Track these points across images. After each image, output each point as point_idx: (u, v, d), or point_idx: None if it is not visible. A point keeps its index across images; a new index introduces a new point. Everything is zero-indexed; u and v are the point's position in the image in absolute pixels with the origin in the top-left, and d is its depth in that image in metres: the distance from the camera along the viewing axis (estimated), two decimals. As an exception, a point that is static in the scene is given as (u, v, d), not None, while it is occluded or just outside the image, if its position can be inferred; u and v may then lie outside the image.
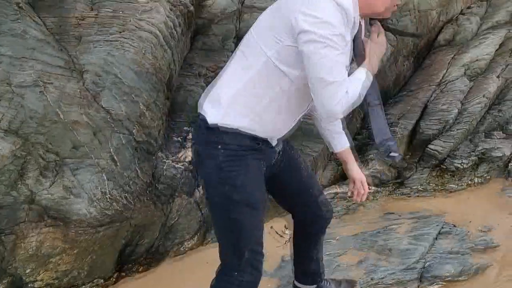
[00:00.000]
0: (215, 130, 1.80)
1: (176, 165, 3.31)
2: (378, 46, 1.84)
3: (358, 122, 4.92)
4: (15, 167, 2.41)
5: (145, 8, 2.65)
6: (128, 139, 2.84)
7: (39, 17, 2.35)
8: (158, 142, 3.18)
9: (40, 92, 2.34)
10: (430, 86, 5.15)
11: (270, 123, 1.85)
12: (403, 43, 4.63)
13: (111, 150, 2.74)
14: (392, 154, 1.94)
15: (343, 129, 2.26)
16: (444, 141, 4.84)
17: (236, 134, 1.81)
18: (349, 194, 2.29)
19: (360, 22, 1.83)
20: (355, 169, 2.23)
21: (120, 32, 2.55)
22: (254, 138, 1.86)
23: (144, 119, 2.93)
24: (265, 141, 1.90)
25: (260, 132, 1.86)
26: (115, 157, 2.78)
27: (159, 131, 3.18)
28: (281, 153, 2.03)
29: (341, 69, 1.67)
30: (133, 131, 2.86)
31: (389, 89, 4.97)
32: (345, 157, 2.22)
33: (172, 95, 3.30)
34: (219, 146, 1.82)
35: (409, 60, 4.93)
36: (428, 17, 4.65)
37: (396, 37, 4.50)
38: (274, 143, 1.95)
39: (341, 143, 2.23)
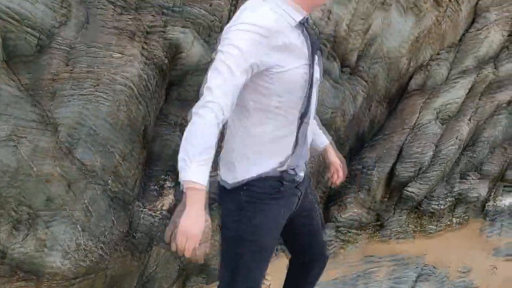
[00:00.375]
0: (241, 184, 1.85)
1: (154, 214, 3.32)
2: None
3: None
4: (-13, 222, 2.41)
5: (120, 63, 2.73)
6: (104, 190, 2.86)
7: (15, 74, 2.41)
8: (135, 191, 3.20)
9: (13, 146, 2.37)
10: (404, 130, 5.27)
11: (284, 148, 1.88)
12: (375, 89, 4.77)
13: (86, 201, 2.75)
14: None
15: (320, 127, 2.32)
16: (420, 184, 4.92)
17: (261, 177, 1.85)
18: (327, 178, 2.33)
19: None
20: (332, 156, 2.30)
21: (95, 86, 2.62)
22: (280, 177, 1.87)
23: (120, 170, 2.96)
24: (290, 178, 1.93)
25: (283, 165, 1.87)
26: (90, 208, 2.79)
27: (136, 181, 3.20)
28: (302, 197, 2.05)
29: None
30: (109, 182, 2.88)
31: (364, 134, 5.08)
32: (326, 150, 2.29)
33: (149, 145, 3.34)
34: (244, 187, 1.85)
35: (382, 105, 5.06)
36: (399, 64, 4.82)
37: (368, 84, 4.64)
38: (300, 173, 1.97)
39: (323, 141, 2.30)
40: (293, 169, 1.95)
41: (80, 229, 2.75)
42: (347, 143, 4.99)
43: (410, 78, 5.25)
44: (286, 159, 1.90)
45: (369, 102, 4.83)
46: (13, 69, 2.45)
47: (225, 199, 1.94)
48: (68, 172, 2.61)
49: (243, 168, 1.87)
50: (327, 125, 4.40)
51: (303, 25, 1.85)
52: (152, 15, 3.09)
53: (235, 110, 1.86)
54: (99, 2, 2.79)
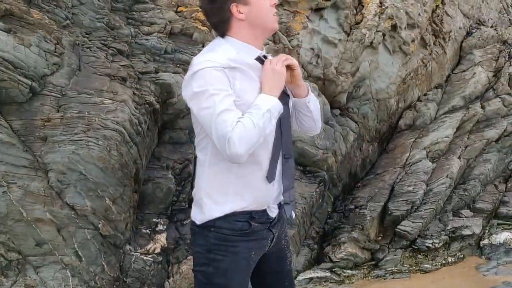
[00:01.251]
0: (209, 223, 1.83)
1: (145, 258, 3.27)
2: (270, 71, 1.82)
3: (329, 206, 4.97)
4: (-25, 268, 2.38)
5: (110, 108, 2.76)
6: (94, 234, 2.83)
7: (6, 120, 2.43)
8: (126, 235, 3.17)
9: (3, 192, 2.37)
10: (395, 169, 5.28)
11: (252, 186, 1.85)
12: (365, 129, 4.82)
13: (76, 245, 2.72)
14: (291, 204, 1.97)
15: None
16: (413, 222, 4.89)
17: (228, 217, 1.82)
18: None
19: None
20: None
21: (85, 132, 2.64)
22: (248, 217, 1.84)
23: (110, 213, 2.94)
24: (261, 218, 1.90)
25: (252, 205, 1.86)
26: (79, 253, 2.76)
27: (127, 224, 3.17)
28: (275, 240, 2.00)
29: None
30: (99, 226, 2.86)
31: (357, 173, 5.08)
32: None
33: (140, 188, 3.34)
34: (212, 229, 1.83)
35: (373, 144, 5.10)
36: (387, 104, 4.88)
37: (358, 124, 4.69)
38: (272, 213, 1.93)
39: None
40: (263, 210, 1.92)
41: (69, 274, 2.71)
42: (340, 183, 4.99)
43: (400, 117, 5.31)
44: (255, 198, 1.88)
45: (360, 142, 4.87)
46: (5, 115, 2.47)
47: (195, 238, 1.91)
48: (58, 216, 2.59)
49: (210, 207, 1.85)
50: (319, 165, 4.43)
51: (262, 61, 1.89)
52: (144, 61, 3.15)
53: (203, 146, 1.87)
54: (91, 50, 2.84)
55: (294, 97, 2.01)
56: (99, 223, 2.86)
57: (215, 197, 1.85)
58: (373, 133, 4.95)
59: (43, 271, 2.62)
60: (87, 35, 2.84)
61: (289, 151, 2.00)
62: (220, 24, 1.83)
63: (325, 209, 4.93)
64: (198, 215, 1.88)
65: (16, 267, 2.55)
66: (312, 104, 2.06)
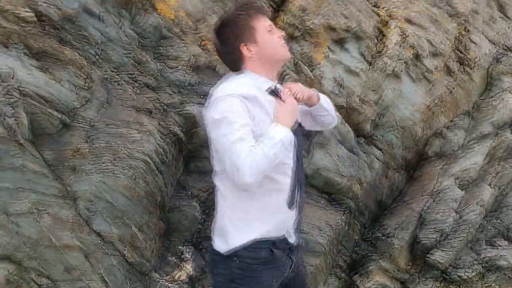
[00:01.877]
0: (232, 252, 1.89)
1: (170, 285, 3.33)
2: (285, 105, 1.94)
3: (356, 234, 4.93)
4: (8, 292, 2.48)
5: (136, 139, 2.87)
6: (119, 261, 2.91)
7: (38, 152, 2.56)
8: (151, 262, 3.23)
9: (34, 219, 2.48)
10: (423, 196, 5.22)
11: (273, 212, 1.91)
12: (391, 156, 4.79)
13: (102, 272, 2.80)
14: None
15: None
16: (443, 251, 4.80)
17: (251, 246, 1.88)
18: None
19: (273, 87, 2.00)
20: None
21: (112, 161, 2.75)
22: (271, 244, 1.91)
23: (136, 240, 3.02)
24: (282, 244, 1.92)
25: (274, 231, 1.91)
26: (106, 279, 2.83)
27: (153, 251, 3.24)
28: (293, 267, 2.06)
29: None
30: (125, 253, 2.93)
31: (384, 201, 5.03)
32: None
33: (166, 215, 3.42)
34: (235, 258, 1.89)
35: (399, 172, 5.05)
36: (412, 131, 4.85)
37: (383, 152, 4.67)
38: (291, 239, 1.99)
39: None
40: (283, 237, 1.98)
41: (96, 299, 2.78)
42: (366, 211, 4.95)
43: (426, 144, 5.26)
44: (277, 224, 1.94)
45: (385, 169, 4.84)
46: (37, 146, 2.60)
47: (216, 267, 1.97)
48: (85, 243, 2.68)
49: (234, 235, 1.91)
50: (344, 193, 4.42)
51: (275, 92, 1.99)
52: (169, 94, 3.27)
53: (224, 176, 1.95)
54: (118, 84, 2.99)
55: (309, 107, 2.15)
56: (125, 250, 2.94)
57: (238, 225, 1.93)
58: (399, 161, 4.91)
59: (72, 296, 2.69)
60: (115, 70, 2.99)
61: (303, 180, 2.08)
62: (233, 63, 1.98)
63: (352, 237, 4.89)
64: (222, 245, 1.95)
65: (46, 292, 2.63)
66: (325, 104, 2.22)
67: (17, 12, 2.50)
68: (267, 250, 1.94)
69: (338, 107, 4.24)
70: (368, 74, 4.34)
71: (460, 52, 5.05)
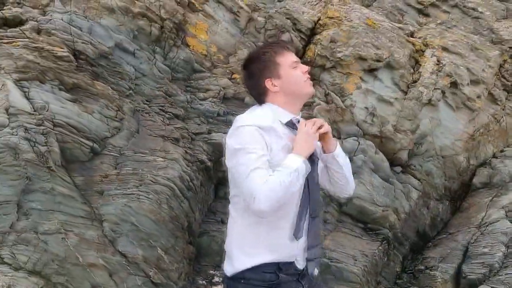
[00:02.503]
0: (239, 275, 1.97)
1: (200, 307, 3.42)
2: (303, 134, 1.98)
3: (397, 265, 4.80)
4: (38, 306, 2.69)
5: (161, 166, 3.04)
6: (145, 281, 3.05)
7: (70, 176, 2.79)
8: (179, 284, 3.34)
9: (62, 238, 2.69)
10: (469, 229, 4.99)
11: (280, 240, 1.96)
12: (431, 186, 4.66)
13: (127, 291, 2.95)
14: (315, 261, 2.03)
15: None
16: (492, 287, 4.55)
17: (256, 268, 1.94)
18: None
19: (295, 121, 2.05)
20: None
21: (137, 187, 2.93)
22: (276, 268, 1.95)
23: (162, 263, 3.15)
24: (289, 269, 1.98)
25: (281, 257, 1.97)
26: (131, 298, 2.98)
27: (180, 274, 3.36)
28: None
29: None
30: (150, 274, 3.07)
31: (426, 232, 4.87)
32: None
33: (196, 240, 3.54)
34: (242, 281, 1.97)
35: (443, 203, 4.88)
36: (455, 161, 4.70)
37: (421, 181, 4.56)
38: (300, 265, 2.03)
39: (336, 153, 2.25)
40: (291, 262, 2.01)
41: (120, 317, 2.93)
42: (407, 242, 4.81)
43: (473, 175, 5.05)
44: (283, 251, 1.99)
45: (426, 199, 4.70)
46: (69, 171, 2.84)
47: (227, 286, 2.04)
48: (110, 262, 2.85)
49: (240, 259, 1.97)
50: (379, 222, 4.34)
51: (294, 125, 2.06)
52: (198, 123, 3.44)
53: (235, 201, 2.03)
54: (149, 115, 3.19)
55: (324, 152, 2.17)
56: (151, 271, 3.07)
57: (246, 250, 1.99)
58: (441, 191, 4.75)
59: (98, 313, 2.86)
60: (147, 102, 3.20)
61: (316, 211, 2.11)
62: (258, 96, 2.07)
63: (393, 269, 4.76)
64: (229, 267, 2.02)
65: (74, 308, 2.82)
66: (341, 159, 2.20)
67: (54, 51, 2.78)
68: (272, 273, 1.97)
69: (372, 136, 4.23)
70: (403, 103, 4.30)
71: (506, 80, 4.87)
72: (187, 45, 3.52)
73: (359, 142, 4.13)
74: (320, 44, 3.99)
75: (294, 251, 2.02)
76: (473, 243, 4.84)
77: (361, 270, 4.22)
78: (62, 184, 2.73)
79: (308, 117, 3.48)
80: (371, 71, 4.13)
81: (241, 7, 3.81)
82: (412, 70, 4.42)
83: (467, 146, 4.77)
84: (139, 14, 3.26)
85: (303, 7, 4.19)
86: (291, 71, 2.06)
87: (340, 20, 4.07)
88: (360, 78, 4.08)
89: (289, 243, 2.00)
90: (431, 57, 4.37)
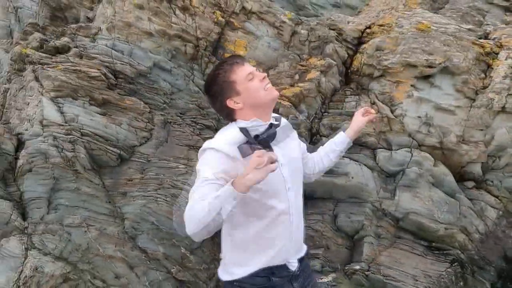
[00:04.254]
0: (233, 281, 2.13)
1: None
2: (250, 166, 1.82)
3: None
4: (69, 287, 3.11)
5: (181, 172, 3.27)
6: (167, 277, 3.29)
7: (100, 179, 3.20)
8: (210, 284, 3.50)
9: (84, 231, 3.09)
10: None
11: (270, 247, 2.05)
12: (514, 204, 4.03)
13: (147, 283, 3.22)
14: None
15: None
16: None
17: (248, 276, 2.06)
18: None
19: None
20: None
21: (156, 190, 3.20)
22: (269, 273, 2.06)
23: (187, 261, 3.36)
24: (282, 272, 2.08)
25: (272, 261, 2.07)
26: (152, 290, 3.25)
27: (213, 275, 3.50)
28: None
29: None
30: (172, 270, 3.30)
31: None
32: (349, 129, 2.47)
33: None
34: (235, 283, 2.12)
35: (533, 224, 4.17)
36: (545, 175, 3.99)
37: (500, 199, 3.97)
38: (292, 267, 2.12)
39: (340, 136, 2.48)
40: (283, 264, 2.06)
41: (142, 306, 3.21)
42: (491, 267, 4.23)
43: None
44: (272, 256, 2.05)
45: (510, 220, 4.06)
46: (101, 174, 3.25)
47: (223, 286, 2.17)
48: (128, 256, 3.17)
49: (233, 269, 2.11)
50: (446, 242, 3.93)
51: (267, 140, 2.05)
52: (228, 134, 3.58)
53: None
54: (180, 126, 3.46)
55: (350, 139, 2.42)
56: (173, 268, 3.30)
57: (238, 259, 2.14)
58: (529, 210, 4.06)
59: (122, 300, 3.19)
60: (181, 114, 3.48)
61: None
62: (227, 116, 2.15)
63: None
64: (224, 275, 2.17)
65: (102, 293, 3.19)
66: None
67: (89, 72, 3.23)
68: (264, 278, 2.04)
69: (430, 148, 3.86)
70: (470, 112, 3.81)
71: None
72: (225, 61, 3.69)
73: (411, 154, 3.80)
74: (366, 53, 3.81)
75: (284, 255, 2.06)
76: None
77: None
78: (88, 185, 3.15)
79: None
80: (426, 78, 3.78)
81: (284, 22, 3.86)
82: (483, 75, 3.91)
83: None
84: (175, 36, 3.55)
85: (349, 17, 4.04)
86: (247, 84, 2.05)
87: (390, 27, 3.83)
88: (412, 86, 3.78)
89: (277, 248, 2.04)
90: (505, 59, 3.81)
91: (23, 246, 3.00)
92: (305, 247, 2.27)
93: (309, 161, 2.43)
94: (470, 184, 4.07)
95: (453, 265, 4.05)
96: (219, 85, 2.05)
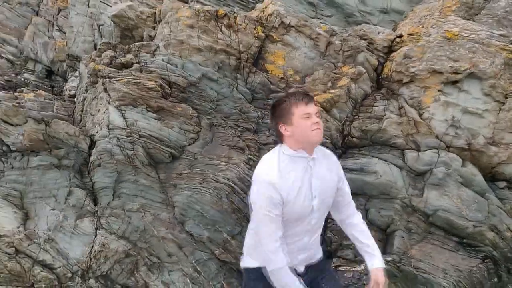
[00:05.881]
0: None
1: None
2: None
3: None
4: (130, 261, 3.76)
5: (222, 168, 3.81)
6: (211, 257, 3.84)
7: (156, 173, 3.82)
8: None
9: (141, 216, 3.72)
10: None
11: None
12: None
13: (194, 262, 3.79)
14: None
15: (373, 245, 2.68)
16: None
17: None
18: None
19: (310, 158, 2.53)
20: (380, 276, 2.59)
21: (201, 183, 3.76)
22: None
23: (229, 245, 3.90)
24: None
25: None
26: (198, 268, 3.81)
27: (254, 259, 4.00)
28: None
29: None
30: (216, 252, 3.83)
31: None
32: (375, 272, 2.64)
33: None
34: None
35: None
36: None
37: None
38: (299, 270, 2.58)
39: (374, 264, 2.64)
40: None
41: (189, 281, 3.78)
42: (529, 268, 4.33)
43: None
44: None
45: (546, 220, 4.12)
46: (157, 169, 3.89)
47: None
48: (178, 238, 3.74)
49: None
50: (477, 239, 4.11)
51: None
52: (267, 135, 4.06)
53: (251, 227, 2.69)
54: (223, 128, 3.98)
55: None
56: (216, 250, 3.83)
57: (252, 254, 2.71)
58: None
59: (173, 274, 3.82)
60: (225, 118, 4.02)
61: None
62: (277, 136, 2.69)
63: (512, 293, 4.39)
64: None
65: (158, 268, 3.81)
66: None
67: (147, 84, 3.85)
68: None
69: (458, 149, 4.07)
70: (499, 115, 3.94)
71: None
72: (266, 71, 4.17)
73: (438, 155, 4.02)
74: (395, 60, 4.08)
75: (291, 264, 2.55)
76: None
77: (452, 284, 4.10)
78: (145, 178, 3.80)
79: (377, 130, 3.66)
80: (454, 83, 3.97)
81: (319, 33, 4.25)
82: (517, 80, 4.02)
83: None
84: (220, 50, 4.08)
85: (379, 27, 4.31)
86: (301, 121, 2.47)
87: (419, 35, 4.06)
88: (440, 91, 4.01)
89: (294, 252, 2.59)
90: (536, 64, 3.90)
91: (94, 226, 3.71)
92: (318, 254, 2.73)
93: (343, 210, 2.75)
94: (502, 184, 4.19)
95: (485, 261, 4.19)
96: (280, 110, 2.53)
